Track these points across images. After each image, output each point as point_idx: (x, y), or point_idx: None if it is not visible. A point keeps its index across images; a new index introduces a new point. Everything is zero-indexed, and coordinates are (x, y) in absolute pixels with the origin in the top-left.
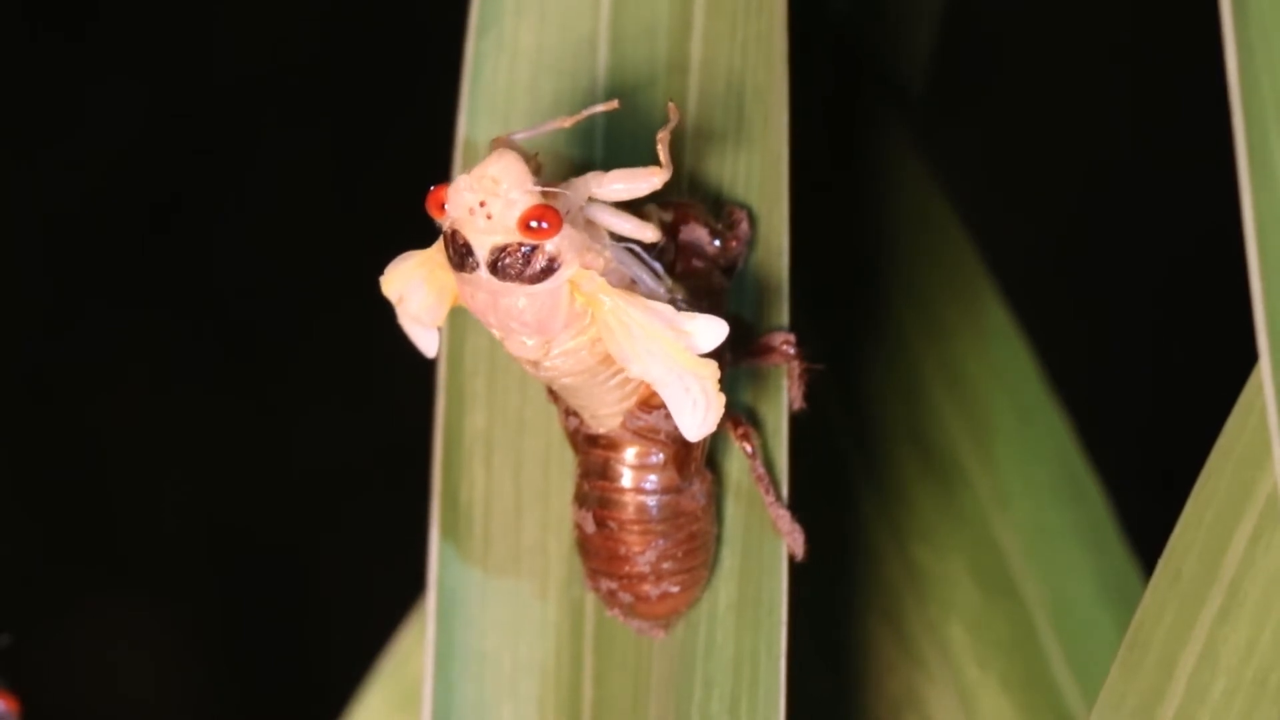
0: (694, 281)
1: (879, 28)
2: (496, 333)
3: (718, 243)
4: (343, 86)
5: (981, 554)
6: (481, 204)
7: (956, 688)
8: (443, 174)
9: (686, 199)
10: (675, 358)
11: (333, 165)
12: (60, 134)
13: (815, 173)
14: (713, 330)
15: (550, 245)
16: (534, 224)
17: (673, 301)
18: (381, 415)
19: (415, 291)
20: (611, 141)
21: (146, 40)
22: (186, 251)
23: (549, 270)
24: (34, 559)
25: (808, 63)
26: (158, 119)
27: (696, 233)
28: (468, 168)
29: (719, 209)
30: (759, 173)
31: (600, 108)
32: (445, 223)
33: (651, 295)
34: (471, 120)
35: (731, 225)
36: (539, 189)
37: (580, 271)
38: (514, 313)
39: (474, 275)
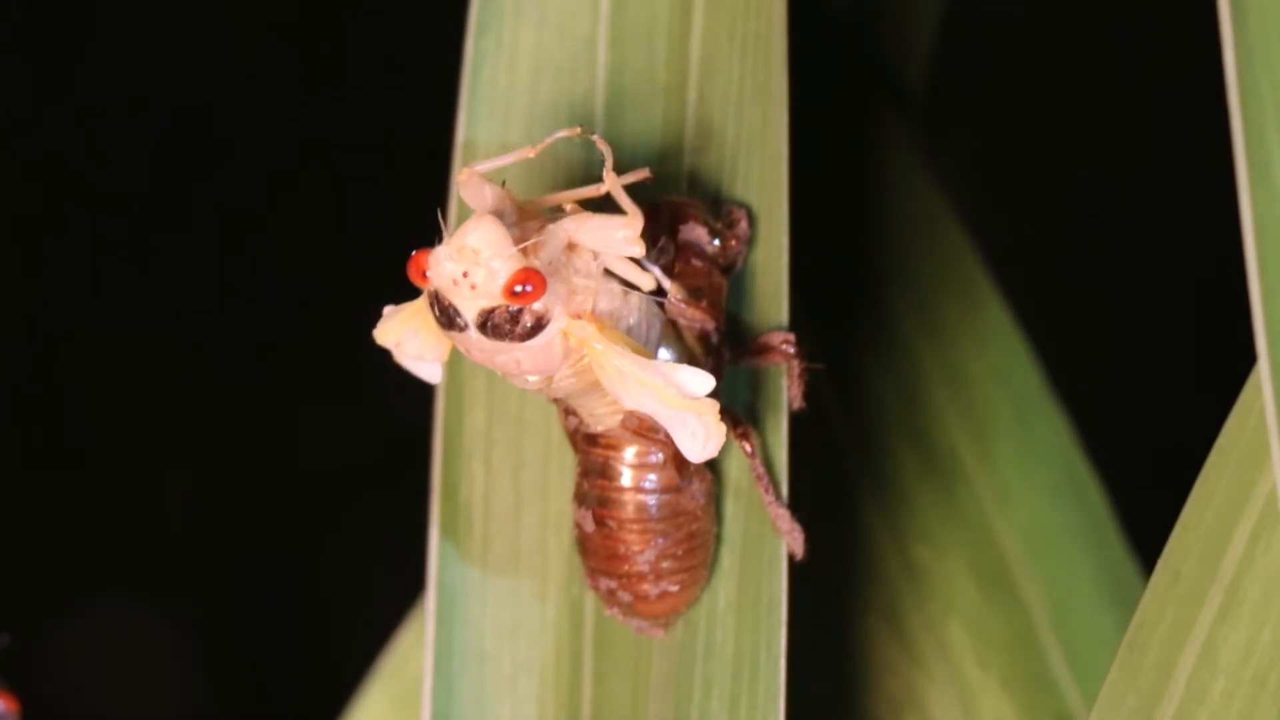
0: (693, 281)
1: (879, 28)
2: (499, 372)
3: (717, 242)
4: (343, 87)
5: (981, 554)
6: (465, 274)
7: (956, 688)
8: (443, 174)
9: (686, 198)
10: (666, 401)
11: (333, 165)
12: (60, 134)
13: (815, 173)
14: (699, 383)
15: (537, 305)
16: (519, 289)
17: (672, 300)
18: (381, 415)
19: (412, 338)
20: (610, 142)
21: (146, 41)
22: (187, 252)
23: (538, 328)
24: (34, 559)
25: (808, 63)
26: (157, 120)
27: (696, 232)
28: (447, 234)
29: (719, 208)
30: (759, 173)
31: (563, 133)
32: (429, 287)
33: (644, 288)
34: (471, 121)
35: (731, 225)
36: (519, 249)
37: (570, 323)
38: (511, 364)
39: (463, 335)
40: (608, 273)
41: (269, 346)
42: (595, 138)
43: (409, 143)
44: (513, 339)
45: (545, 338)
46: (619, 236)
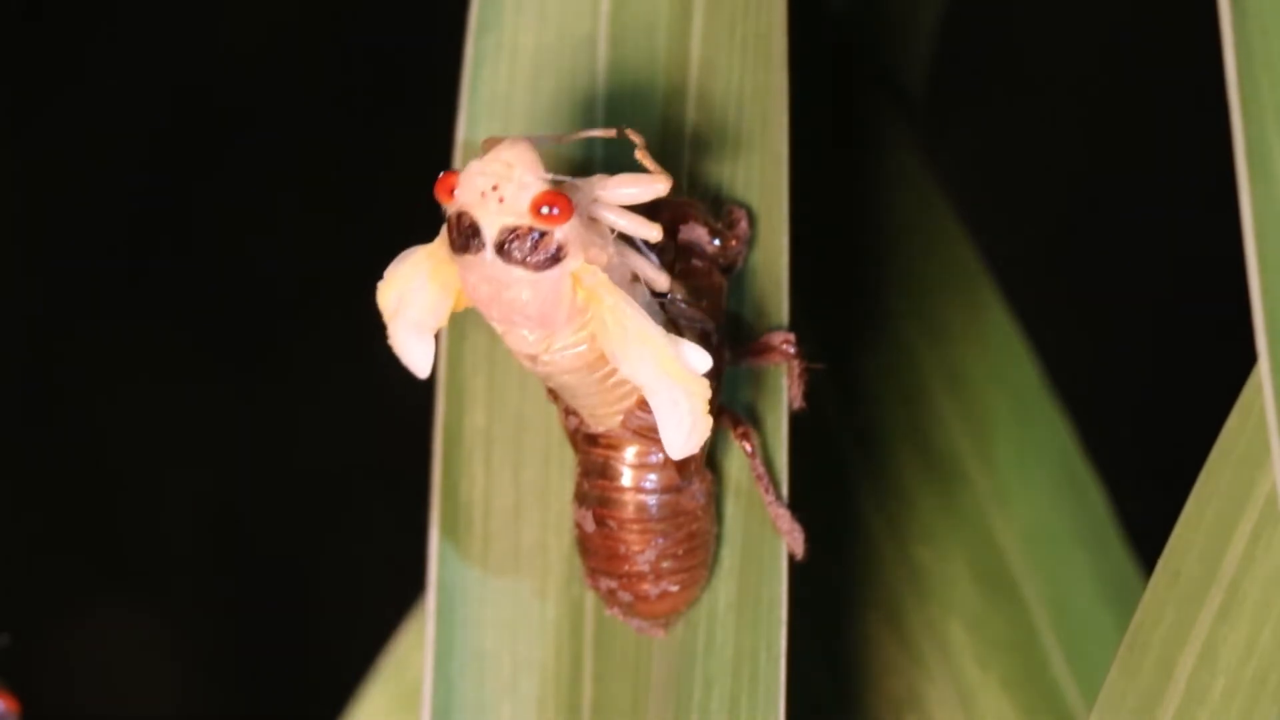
0: (693, 281)
1: (879, 28)
2: (497, 326)
3: (717, 242)
4: (342, 87)
5: (981, 554)
6: (494, 187)
7: (956, 688)
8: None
9: (686, 198)
10: (665, 368)
11: (333, 165)
12: (60, 133)
13: (815, 173)
14: (698, 359)
15: (559, 232)
16: (546, 209)
17: (672, 300)
18: (381, 415)
19: (418, 292)
20: (610, 140)
21: (146, 41)
22: (187, 251)
23: (555, 258)
24: (35, 559)
25: (808, 63)
26: (157, 120)
27: (696, 232)
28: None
29: (719, 208)
30: (759, 173)
31: (596, 132)
32: (452, 207)
33: (653, 286)
34: (471, 121)
35: (731, 224)
36: (550, 177)
37: (584, 266)
38: (517, 305)
39: (478, 258)
40: (622, 255)
41: (269, 346)
42: (629, 131)
43: (409, 143)
44: (528, 267)
45: (559, 272)
46: (652, 189)
